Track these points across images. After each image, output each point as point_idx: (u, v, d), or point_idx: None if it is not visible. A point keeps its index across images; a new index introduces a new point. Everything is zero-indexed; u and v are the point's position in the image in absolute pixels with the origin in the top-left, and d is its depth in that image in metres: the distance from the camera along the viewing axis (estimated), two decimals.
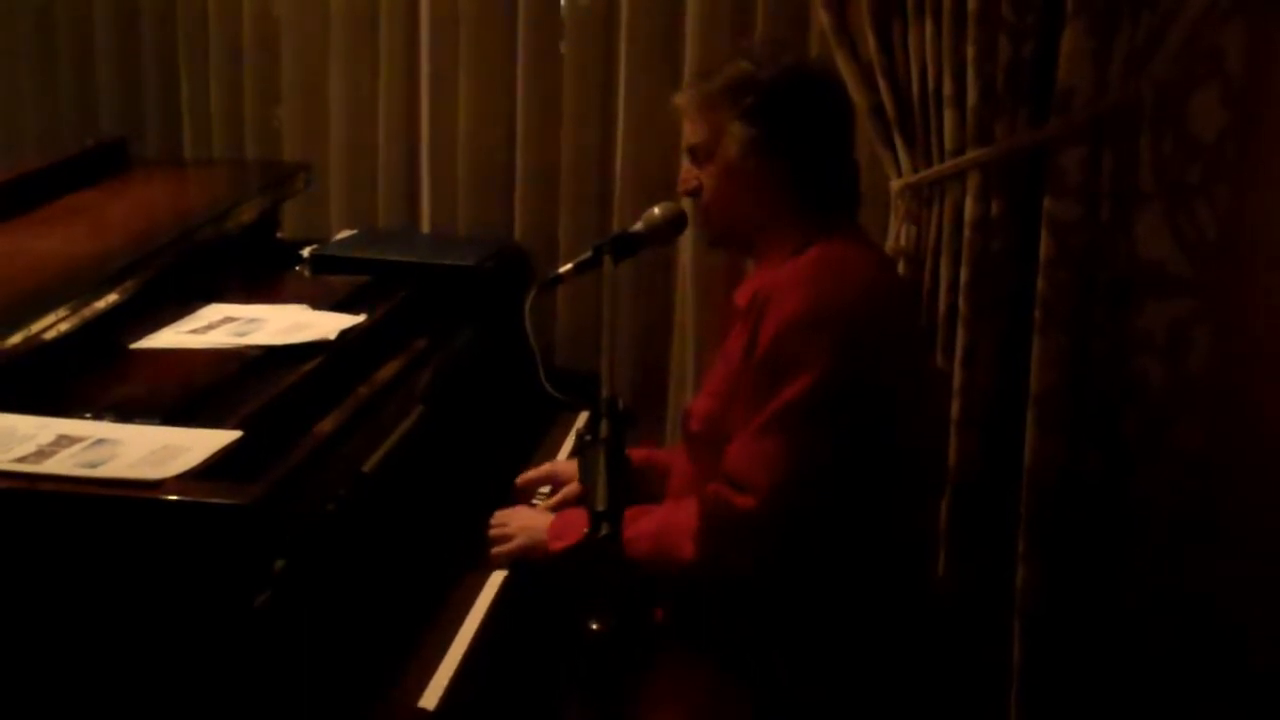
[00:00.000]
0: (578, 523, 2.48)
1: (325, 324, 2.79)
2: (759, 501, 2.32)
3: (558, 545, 2.54)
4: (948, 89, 2.97)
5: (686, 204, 2.71)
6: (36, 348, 2.40)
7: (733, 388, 2.44)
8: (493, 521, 2.67)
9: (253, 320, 2.79)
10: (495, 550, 2.60)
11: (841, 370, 2.33)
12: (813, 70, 2.62)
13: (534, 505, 2.80)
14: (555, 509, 2.73)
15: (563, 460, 3.00)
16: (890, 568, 2.50)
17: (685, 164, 2.60)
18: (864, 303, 2.41)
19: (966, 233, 3.01)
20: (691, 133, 2.56)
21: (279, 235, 3.61)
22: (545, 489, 2.87)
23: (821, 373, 2.32)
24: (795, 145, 2.48)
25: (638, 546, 2.37)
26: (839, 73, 3.02)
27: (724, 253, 3.09)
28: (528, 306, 2.76)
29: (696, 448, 2.54)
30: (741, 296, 2.49)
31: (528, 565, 2.59)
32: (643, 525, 2.43)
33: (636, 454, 2.66)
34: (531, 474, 2.91)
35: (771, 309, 2.37)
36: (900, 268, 3.08)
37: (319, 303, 2.95)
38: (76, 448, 2.13)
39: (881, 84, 3.05)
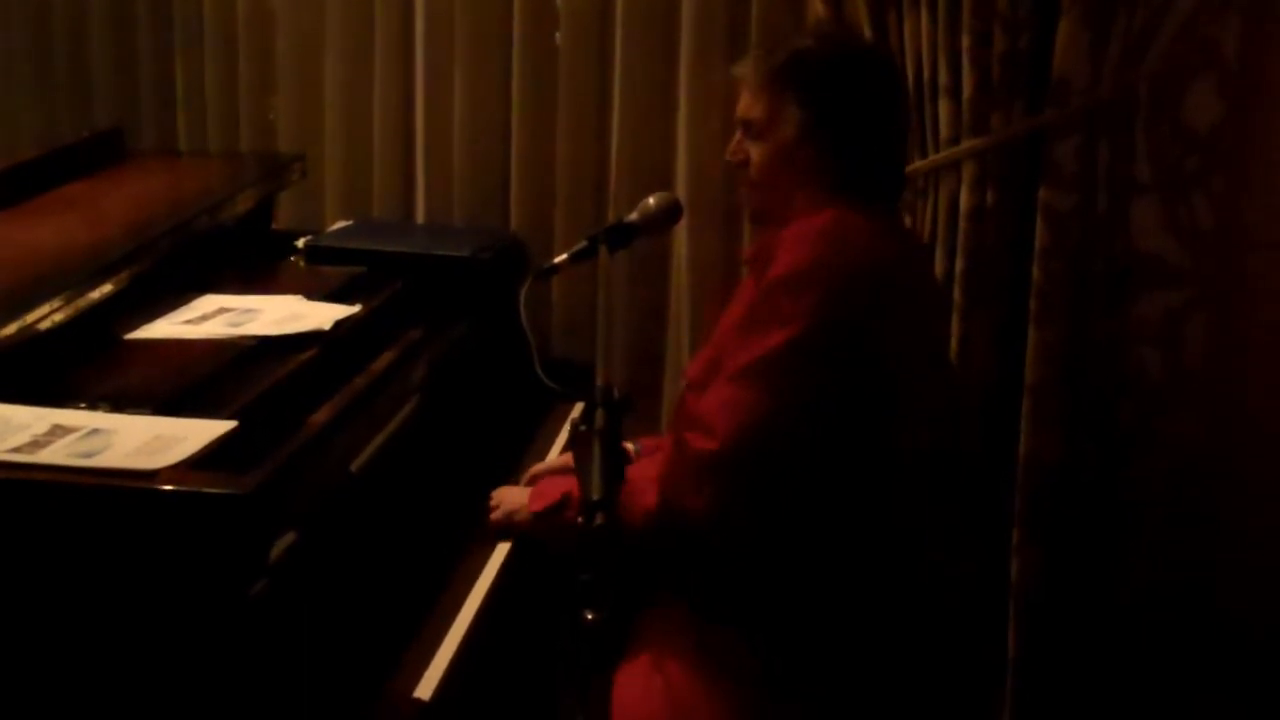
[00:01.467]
0: (555, 484, 2.55)
1: (320, 315, 2.79)
2: (718, 445, 2.32)
3: (537, 504, 2.57)
4: (943, 79, 2.98)
5: (681, 195, 2.71)
6: (31, 338, 2.40)
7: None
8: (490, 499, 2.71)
9: (247, 311, 2.79)
10: (489, 521, 2.65)
11: (822, 330, 2.32)
12: (876, 56, 2.62)
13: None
14: None
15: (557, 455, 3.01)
16: (886, 555, 2.50)
17: (737, 135, 2.59)
18: (858, 267, 2.38)
19: (962, 223, 3.01)
20: (748, 106, 2.54)
21: (274, 226, 3.61)
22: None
23: (800, 330, 2.31)
24: (849, 131, 2.48)
25: None
26: (895, 60, 3.01)
27: (763, 229, 3.08)
28: (523, 297, 2.75)
29: (693, 395, 2.54)
30: (750, 249, 2.50)
31: (525, 549, 2.60)
32: None
33: (645, 444, 2.68)
34: (542, 469, 2.91)
35: (772, 264, 2.37)
36: None
37: (314, 293, 2.94)
38: (71, 438, 2.13)
39: None
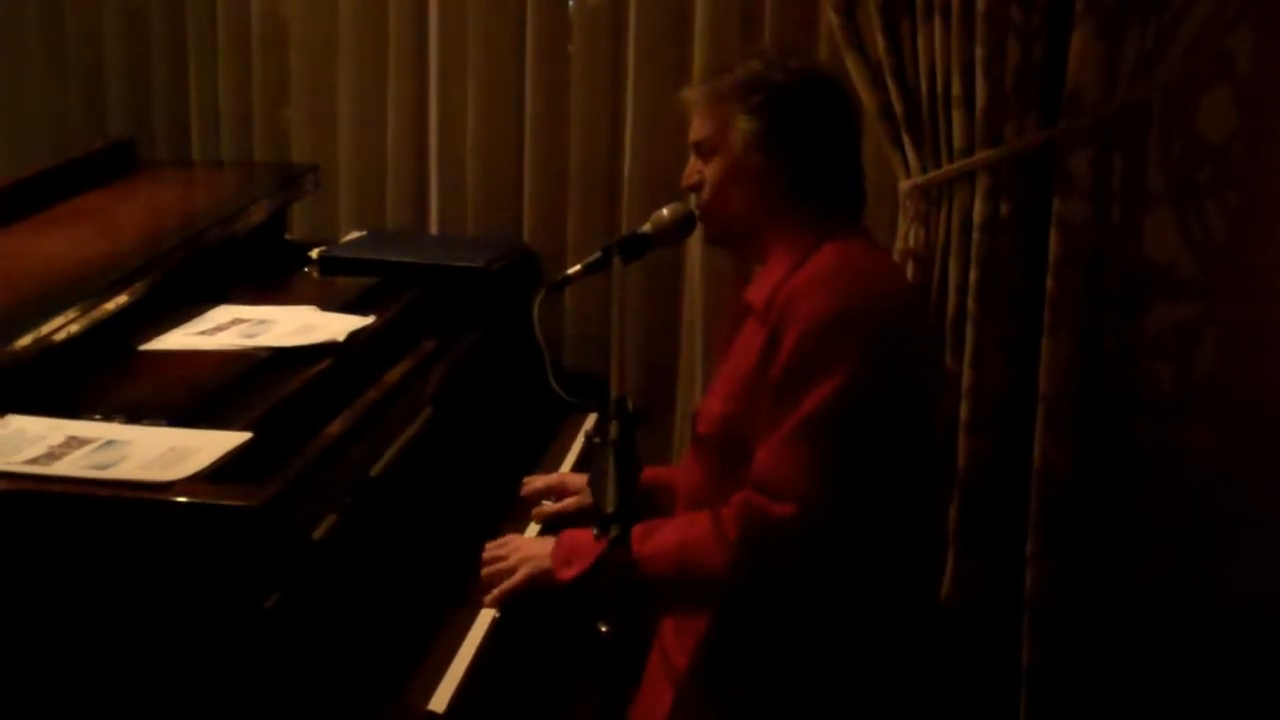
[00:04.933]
0: (584, 546, 2.45)
1: (334, 325, 2.79)
2: (798, 509, 2.28)
3: (568, 574, 2.47)
4: (956, 90, 2.97)
5: (693, 203, 2.70)
6: (46, 349, 2.40)
7: (747, 390, 2.41)
8: (486, 555, 2.59)
9: (262, 322, 2.79)
10: (501, 587, 2.51)
11: (871, 371, 2.31)
12: (822, 75, 2.61)
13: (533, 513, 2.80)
14: (548, 524, 2.74)
15: (571, 471, 3.00)
16: (904, 568, 2.50)
17: (691, 159, 2.60)
18: (887, 302, 2.41)
19: (975, 234, 3.01)
20: (698, 127, 2.55)
21: (287, 236, 3.61)
22: (549, 501, 2.86)
23: (851, 375, 2.29)
24: (800, 144, 2.47)
25: (657, 565, 2.36)
26: (847, 79, 3.01)
27: (726, 252, 3.07)
28: (536, 308, 2.75)
29: (705, 450, 2.52)
30: (755, 295, 2.47)
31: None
32: (659, 542, 2.39)
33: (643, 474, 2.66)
34: (539, 482, 2.91)
35: (794, 311, 2.34)
36: (909, 269, 3.08)
37: (328, 304, 2.95)
38: (86, 449, 2.14)
39: (890, 85, 3.05)
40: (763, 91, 2.47)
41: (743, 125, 2.48)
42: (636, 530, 2.31)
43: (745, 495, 2.34)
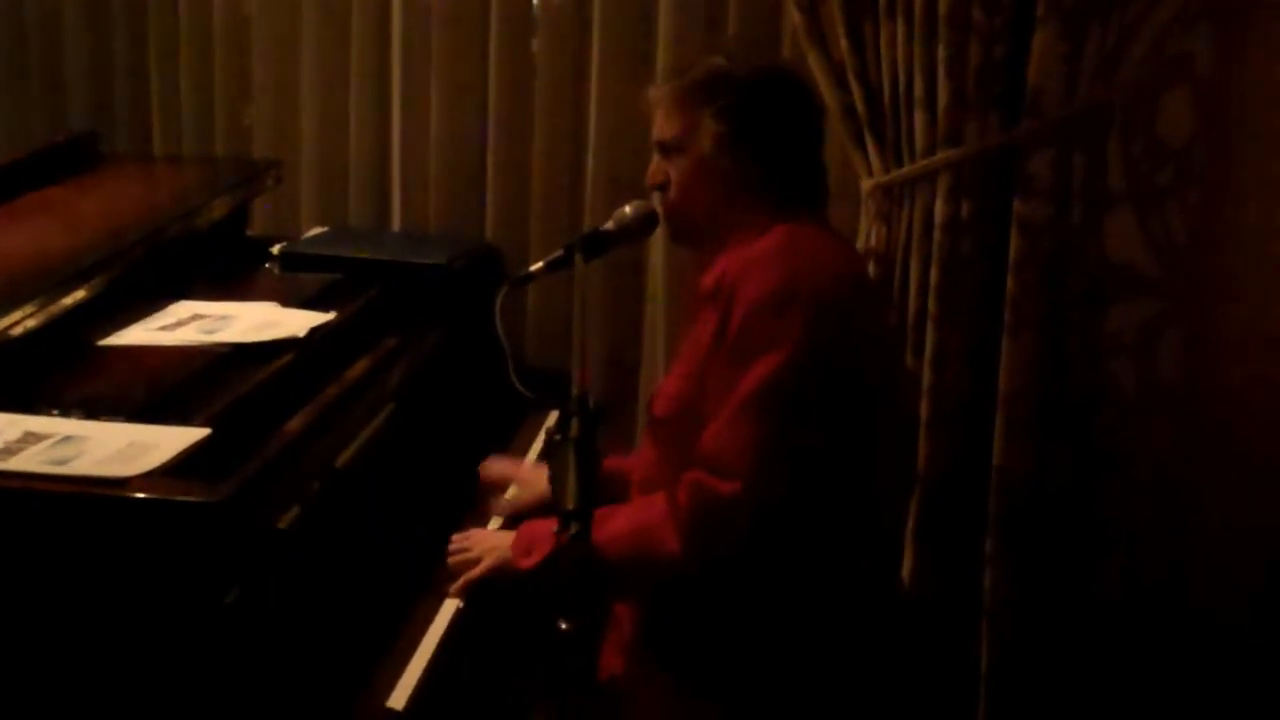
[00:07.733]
0: (543, 536, 2.45)
1: (295, 322, 2.78)
2: (743, 485, 2.28)
3: (527, 563, 2.49)
4: (919, 90, 2.98)
5: (657, 202, 2.70)
6: (3, 344, 2.38)
7: (700, 371, 2.41)
8: (452, 547, 2.62)
9: (222, 317, 2.79)
10: (465, 576, 2.54)
11: (813, 347, 2.30)
12: (787, 72, 2.61)
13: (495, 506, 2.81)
14: (509, 520, 2.75)
15: (526, 465, 3.00)
16: (860, 556, 2.50)
17: (655, 158, 2.60)
18: (833, 280, 2.40)
19: (937, 234, 3.02)
20: (663, 127, 2.55)
21: (249, 232, 3.60)
22: (508, 494, 2.88)
23: (793, 350, 2.29)
24: (766, 144, 2.47)
25: (613, 549, 2.36)
26: (809, 75, 3.02)
27: (689, 249, 3.07)
28: (498, 305, 2.75)
29: (661, 432, 2.52)
30: (708, 280, 2.48)
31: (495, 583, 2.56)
32: (614, 526, 2.39)
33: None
34: (493, 471, 2.92)
35: (740, 290, 2.34)
36: (870, 268, 3.08)
37: (289, 300, 2.94)
38: (43, 445, 2.13)
39: (853, 84, 3.05)
40: (730, 92, 2.47)
41: (709, 127, 2.47)
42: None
43: (694, 475, 2.34)
